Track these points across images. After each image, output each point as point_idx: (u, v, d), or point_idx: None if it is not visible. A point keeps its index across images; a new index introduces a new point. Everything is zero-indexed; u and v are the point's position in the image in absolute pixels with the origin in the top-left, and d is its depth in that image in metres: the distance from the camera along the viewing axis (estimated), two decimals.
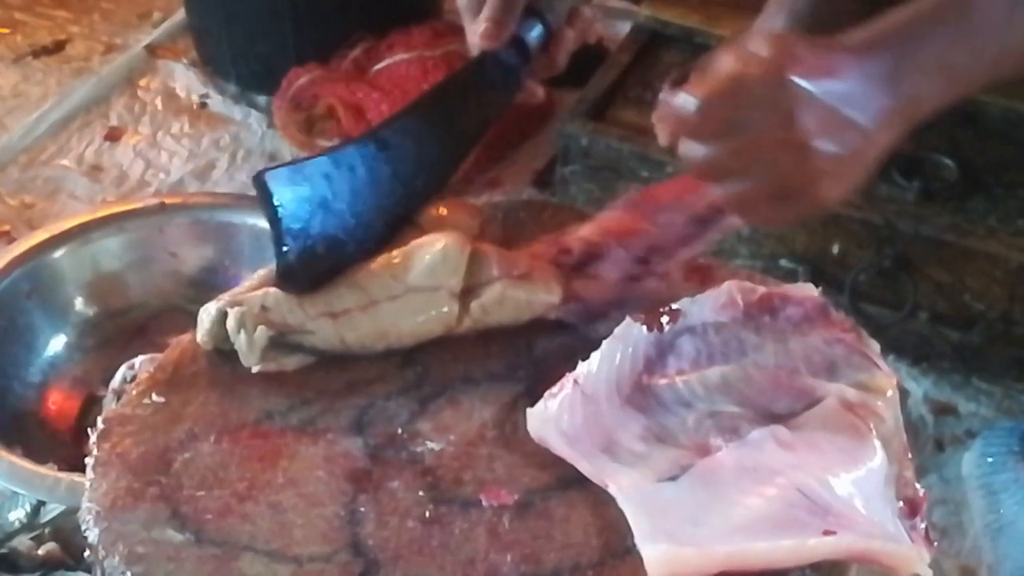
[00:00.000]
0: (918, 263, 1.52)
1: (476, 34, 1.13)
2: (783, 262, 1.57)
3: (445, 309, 1.00)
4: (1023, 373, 1.55)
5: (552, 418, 0.92)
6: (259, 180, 0.96)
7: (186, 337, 1.01)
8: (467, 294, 1.01)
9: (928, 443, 1.52)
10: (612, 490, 0.89)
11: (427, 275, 0.98)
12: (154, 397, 0.96)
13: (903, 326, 1.55)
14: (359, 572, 0.84)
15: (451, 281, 1.00)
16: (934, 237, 1.51)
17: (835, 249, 1.54)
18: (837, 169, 0.96)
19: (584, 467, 0.90)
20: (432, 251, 0.99)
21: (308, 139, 1.92)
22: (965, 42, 1.01)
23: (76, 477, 1.18)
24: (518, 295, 1.01)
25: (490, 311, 1.01)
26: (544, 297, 1.02)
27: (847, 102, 0.96)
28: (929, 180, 1.55)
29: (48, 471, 1.27)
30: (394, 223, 1.04)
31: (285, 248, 0.97)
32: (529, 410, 0.94)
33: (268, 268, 1.00)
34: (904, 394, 1.55)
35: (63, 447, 1.37)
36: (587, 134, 1.68)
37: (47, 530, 1.31)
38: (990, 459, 1.45)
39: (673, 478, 0.89)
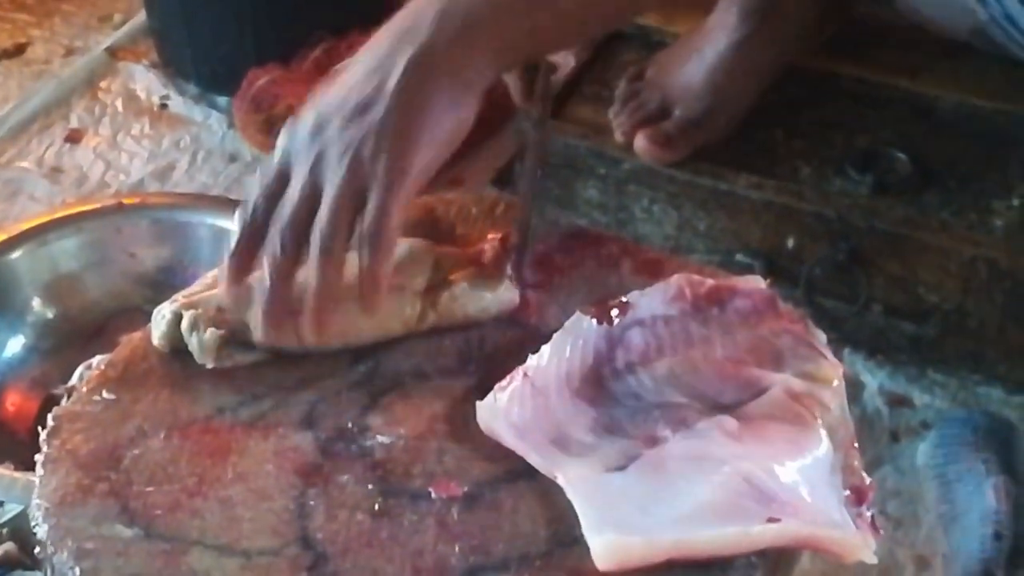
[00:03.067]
0: (872, 256, 1.53)
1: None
2: (739, 256, 1.58)
3: (408, 309, 1.01)
4: (978, 365, 1.57)
5: (502, 410, 0.93)
6: None
7: (137, 335, 1.02)
8: (429, 293, 1.02)
9: (883, 435, 1.53)
10: (561, 481, 0.89)
11: (393, 275, 0.99)
12: (104, 394, 0.96)
13: (858, 319, 1.57)
14: (308, 565, 0.85)
15: (416, 281, 1.01)
16: (888, 231, 1.52)
17: (790, 243, 1.55)
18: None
19: (533, 459, 0.91)
20: (399, 251, 1.00)
21: (268, 140, 1.91)
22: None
23: (32, 477, 1.18)
24: (481, 294, 1.02)
25: (453, 311, 1.02)
26: (506, 295, 1.03)
27: (404, 109, 0.97)
28: (883, 174, 1.56)
29: (4, 471, 1.27)
30: None
31: None
32: (479, 403, 0.94)
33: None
34: (859, 386, 1.57)
35: (20, 447, 1.36)
36: None
37: (4, 530, 1.31)
38: (944, 450, 1.46)
39: (621, 468, 0.90)
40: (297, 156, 0.97)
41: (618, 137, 1.60)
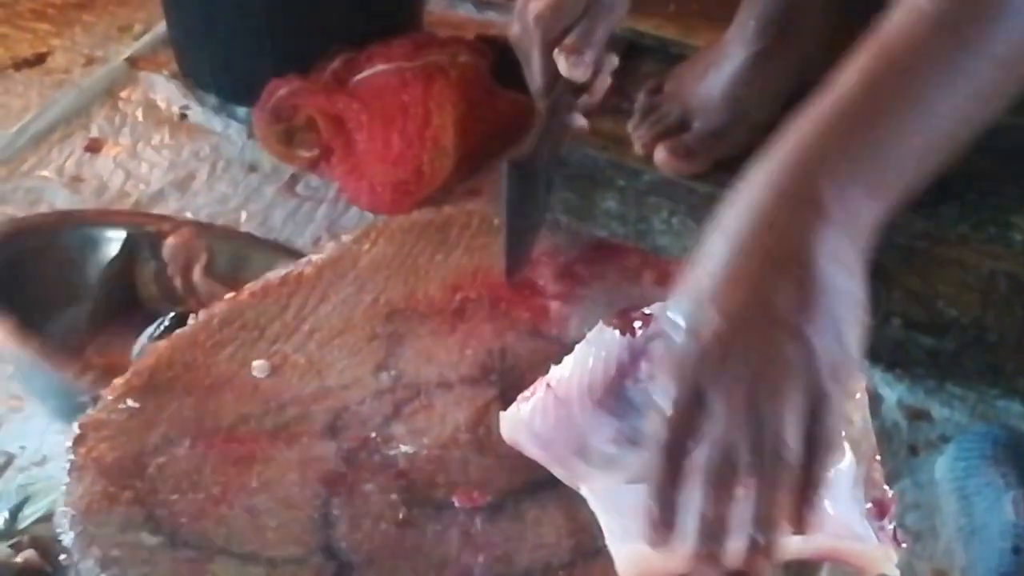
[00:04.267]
0: (891, 270, 1.53)
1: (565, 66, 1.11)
2: None
3: None
4: (996, 379, 1.57)
5: (524, 421, 0.93)
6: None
7: (162, 343, 1.02)
8: None
9: (902, 448, 1.53)
10: (584, 492, 0.90)
11: None
12: (129, 402, 0.97)
13: (877, 333, 1.55)
14: (332, 574, 0.85)
15: None
16: (907, 244, 1.51)
17: None
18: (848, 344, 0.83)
19: (556, 470, 0.91)
20: None
21: (288, 150, 1.93)
22: (914, 133, 0.85)
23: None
24: None
25: None
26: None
27: (827, 293, 0.82)
28: None
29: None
30: None
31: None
32: (502, 413, 0.95)
33: None
34: (878, 400, 1.56)
35: None
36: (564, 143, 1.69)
37: (25, 537, 1.31)
38: (963, 464, 1.46)
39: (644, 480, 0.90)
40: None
41: (638, 149, 1.61)
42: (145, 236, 1.64)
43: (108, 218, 1.72)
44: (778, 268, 0.81)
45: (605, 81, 1.16)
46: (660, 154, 1.58)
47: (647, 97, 1.65)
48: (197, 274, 1.61)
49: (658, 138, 1.59)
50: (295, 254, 1.63)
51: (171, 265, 1.63)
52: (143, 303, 1.63)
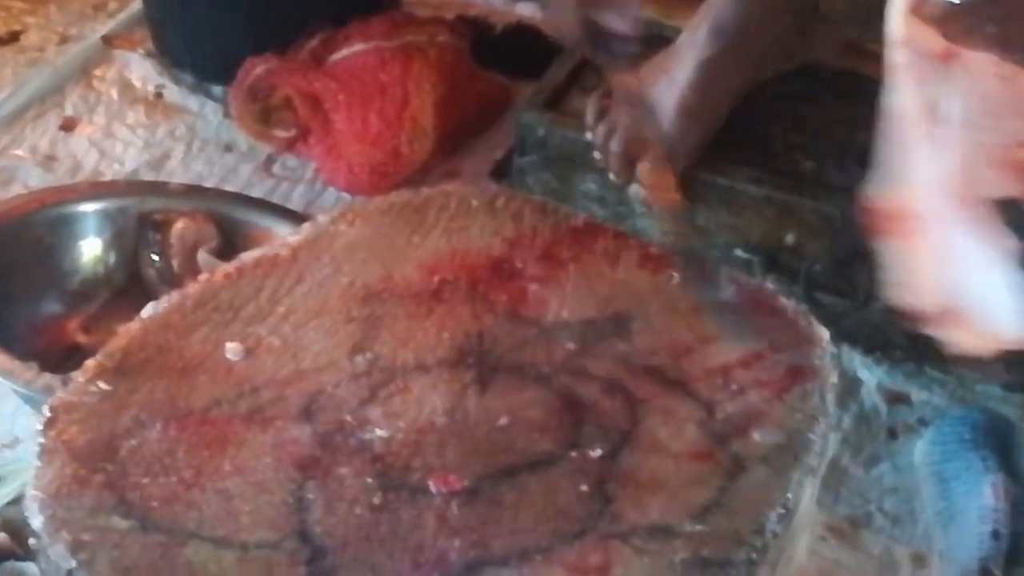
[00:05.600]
0: (873, 252, 1.52)
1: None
2: (738, 252, 1.57)
3: None
4: (976, 363, 1.56)
5: None
6: None
7: (134, 325, 1.01)
8: None
9: (881, 431, 1.52)
10: None
11: None
12: (101, 385, 0.95)
13: (857, 315, 1.56)
14: (306, 559, 0.84)
15: None
16: None
17: (789, 239, 1.54)
18: None
19: None
20: None
21: (264, 129, 1.91)
22: None
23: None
24: None
25: None
26: None
27: None
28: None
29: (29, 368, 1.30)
30: None
31: None
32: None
33: None
34: (857, 383, 1.56)
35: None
36: (544, 124, 1.68)
37: None
38: (942, 447, 1.45)
39: None
40: None
41: (612, 177, 1.59)
42: (148, 218, 1.63)
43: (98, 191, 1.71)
44: None
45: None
46: (635, 191, 1.57)
47: (595, 104, 1.63)
48: (202, 255, 1.60)
49: (621, 158, 1.57)
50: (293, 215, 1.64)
51: (176, 247, 1.62)
52: (142, 284, 1.62)
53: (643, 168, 1.54)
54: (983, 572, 1.32)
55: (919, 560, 1.40)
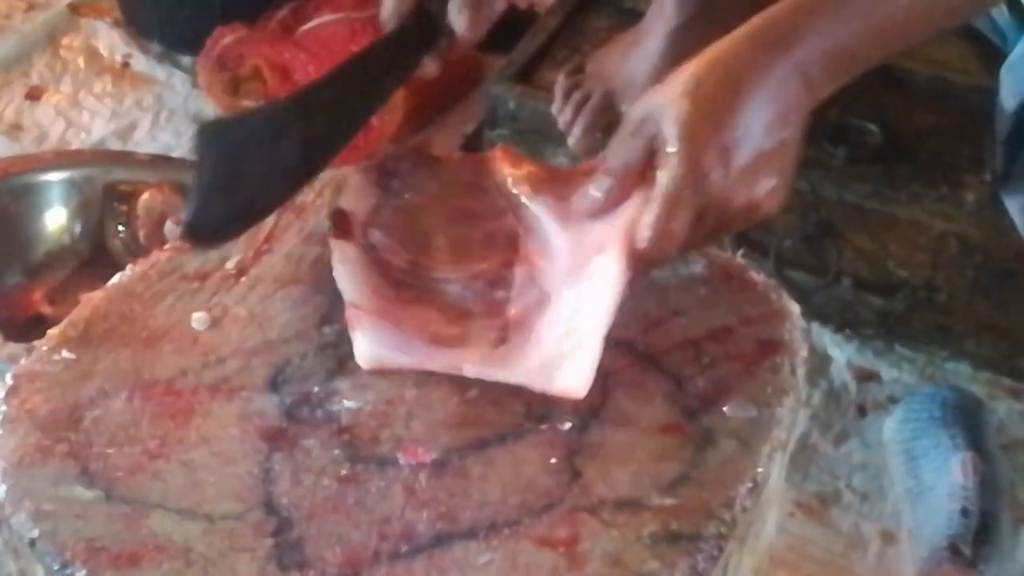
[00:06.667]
0: (842, 229, 1.52)
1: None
2: None
3: None
4: (945, 340, 1.57)
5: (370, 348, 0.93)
6: (198, 133, 0.96)
7: (98, 294, 0.99)
8: None
9: (850, 408, 1.53)
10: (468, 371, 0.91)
11: None
12: (64, 354, 0.94)
13: (827, 292, 1.56)
14: (272, 530, 0.83)
15: None
16: (858, 203, 1.51)
17: None
18: (778, 187, 0.97)
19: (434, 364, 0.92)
20: None
21: (233, 100, 1.89)
22: (870, 24, 1.00)
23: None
24: None
25: None
26: None
27: (767, 133, 0.96)
28: (855, 147, 1.55)
29: None
30: (298, 183, 1.03)
31: (196, 205, 0.95)
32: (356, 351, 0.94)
33: None
34: (827, 360, 1.56)
35: None
36: (514, 97, 1.67)
37: None
38: (911, 425, 1.45)
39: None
40: None
41: (572, 145, 1.58)
42: (115, 189, 1.62)
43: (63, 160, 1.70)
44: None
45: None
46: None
47: (567, 78, 1.62)
48: (169, 227, 1.58)
49: (589, 128, 1.56)
50: None
51: (143, 218, 1.60)
52: (108, 255, 1.61)
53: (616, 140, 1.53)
54: (952, 549, 1.32)
55: (888, 537, 1.40)
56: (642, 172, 0.96)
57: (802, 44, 0.98)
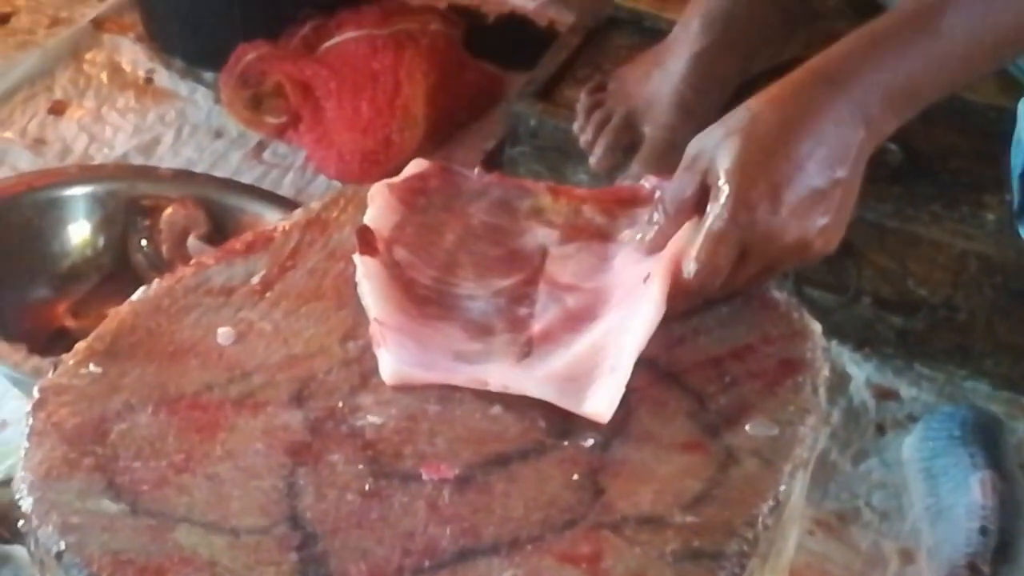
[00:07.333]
0: (862, 248, 1.52)
1: None
2: None
3: None
4: (965, 359, 1.56)
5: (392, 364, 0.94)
6: None
7: (124, 308, 1.00)
8: None
9: (869, 427, 1.53)
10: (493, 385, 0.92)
11: None
12: (91, 367, 0.95)
13: (846, 311, 1.56)
14: (296, 545, 0.83)
15: None
16: (878, 222, 1.51)
17: None
18: (834, 226, 0.99)
19: (458, 379, 0.93)
20: None
21: (255, 116, 1.90)
22: (930, 60, 1.00)
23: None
24: None
25: None
26: None
27: (821, 171, 0.97)
28: (875, 166, 1.54)
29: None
30: None
31: None
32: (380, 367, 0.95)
33: None
34: (846, 378, 1.56)
35: None
36: (535, 115, 1.68)
37: None
38: (930, 444, 1.45)
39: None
40: None
41: (593, 164, 1.58)
42: (138, 203, 1.63)
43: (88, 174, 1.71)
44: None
45: None
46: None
47: (589, 96, 1.63)
48: (192, 241, 1.59)
49: (610, 148, 1.57)
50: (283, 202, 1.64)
51: (166, 232, 1.61)
52: (130, 269, 1.62)
53: (639, 160, 1.53)
54: (971, 568, 1.32)
55: (907, 556, 1.40)
56: (695, 206, 0.98)
57: (861, 83, 0.98)
